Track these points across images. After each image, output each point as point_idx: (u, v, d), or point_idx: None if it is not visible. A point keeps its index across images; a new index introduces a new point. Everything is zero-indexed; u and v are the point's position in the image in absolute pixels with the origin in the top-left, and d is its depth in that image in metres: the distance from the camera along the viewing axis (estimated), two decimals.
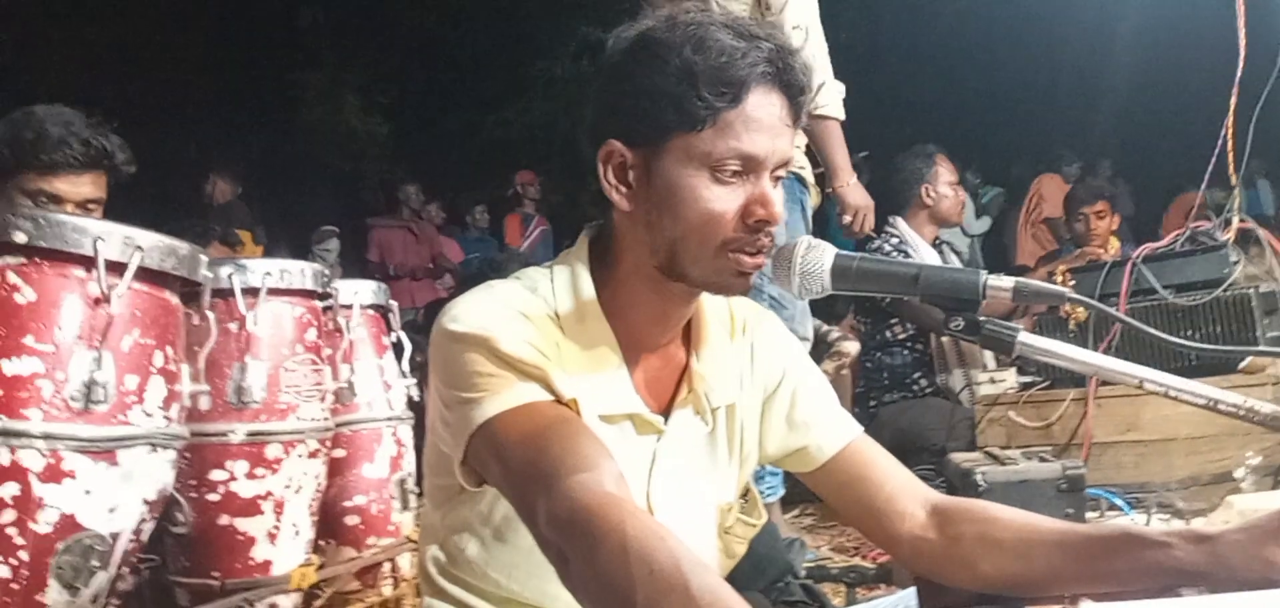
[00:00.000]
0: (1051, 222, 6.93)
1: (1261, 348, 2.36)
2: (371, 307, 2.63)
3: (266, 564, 2.08)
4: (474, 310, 1.09)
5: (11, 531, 1.47)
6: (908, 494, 1.22)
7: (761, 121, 1.06)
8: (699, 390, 1.22)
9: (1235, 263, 2.49)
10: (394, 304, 2.70)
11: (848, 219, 2.79)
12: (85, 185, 2.16)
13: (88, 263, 1.56)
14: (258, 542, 2.07)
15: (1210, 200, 2.94)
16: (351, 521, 2.47)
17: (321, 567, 2.26)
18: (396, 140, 11.34)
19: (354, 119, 11.37)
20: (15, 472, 1.47)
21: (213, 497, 2.03)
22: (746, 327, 1.30)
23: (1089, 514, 1.76)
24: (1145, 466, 2.46)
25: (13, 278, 1.52)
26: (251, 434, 2.05)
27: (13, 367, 1.49)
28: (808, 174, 2.78)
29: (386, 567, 2.51)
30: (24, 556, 1.48)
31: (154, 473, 1.66)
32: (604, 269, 1.17)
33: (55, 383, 1.52)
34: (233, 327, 2.06)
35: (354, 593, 2.44)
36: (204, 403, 1.91)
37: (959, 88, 10.78)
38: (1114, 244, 4.57)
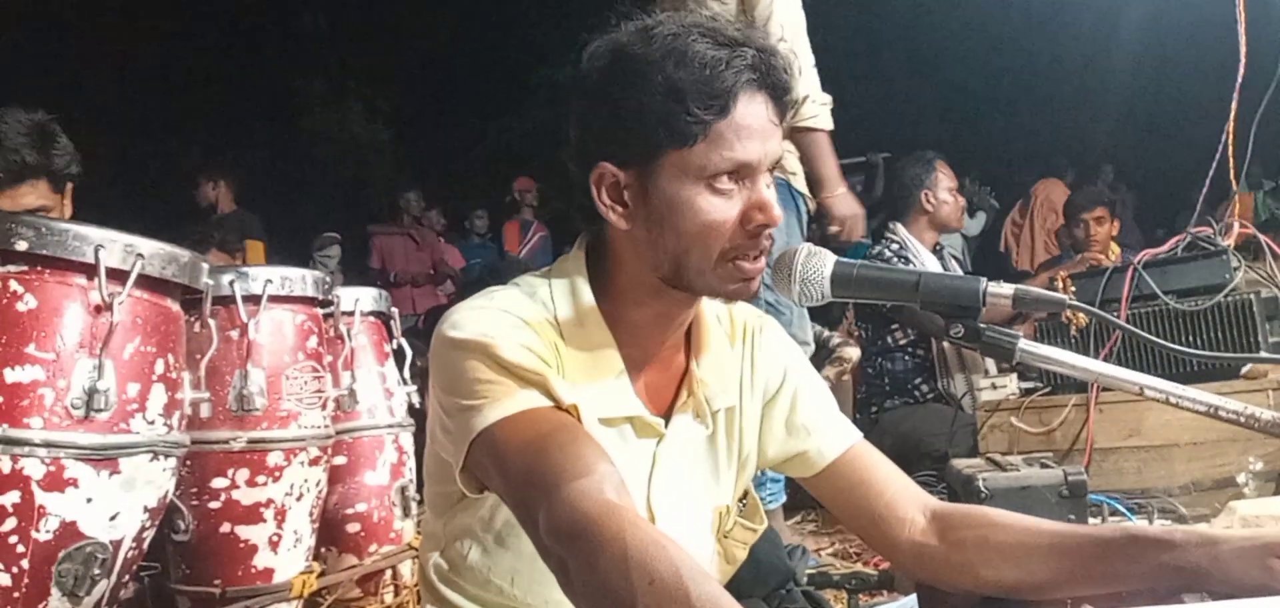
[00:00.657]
0: (1061, 232, 6.94)
1: (1262, 355, 2.36)
2: (372, 313, 2.63)
3: (268, 572, 2.08)
4: (473, 317, 1.09)
5: (13, 538, 1.48)
6: (907, 500, 1.22)
7: (751, 127, 1.06)
8: (699, 394, 1.22)
9: (1237, 268, 2.48)
10: (395, 311, 2.70)
11: (835, 229, 2.78)
12: (27, 196, 2.10)
13: (89, 271, 1.57)
14: (259, 549, 2.07)
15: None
16: (353, 528, 2.47)
17: (323, 574, 2.26)
18: (398, 147, 11.36)
19: (356, 126, 11.40)
20: (17, 480, 1.48)
21: (214, 504, 2.03)
22: (747, 331, 1.30)
23: (1091, 520, 1.75)
24: (1147, 471, 2.45)
25: (14, 286, 1.52)
26: (253, 442, 2.05)
27: (14, 375, 1.50)
28: (800, 181, 2.79)
29: (388, 574, 2.51)
30: (26, 564, 1.49)
31: (155, 481, 1.67)
32: (602, 276, 1.17)
33: (57, 391, 1.52)
34: (234, 334, 2.06)
35: (355, 600, 2.44)
36: (205, 410, 1.92)
37: (959, 93, 10.79)
38: (1114, 250, 4.57)
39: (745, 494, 1.34)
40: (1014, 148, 9.39)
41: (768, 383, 1.30)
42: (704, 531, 1.26)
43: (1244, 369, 2.40)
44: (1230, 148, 2.60)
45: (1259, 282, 2.54)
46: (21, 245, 1.52)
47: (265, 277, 2.12)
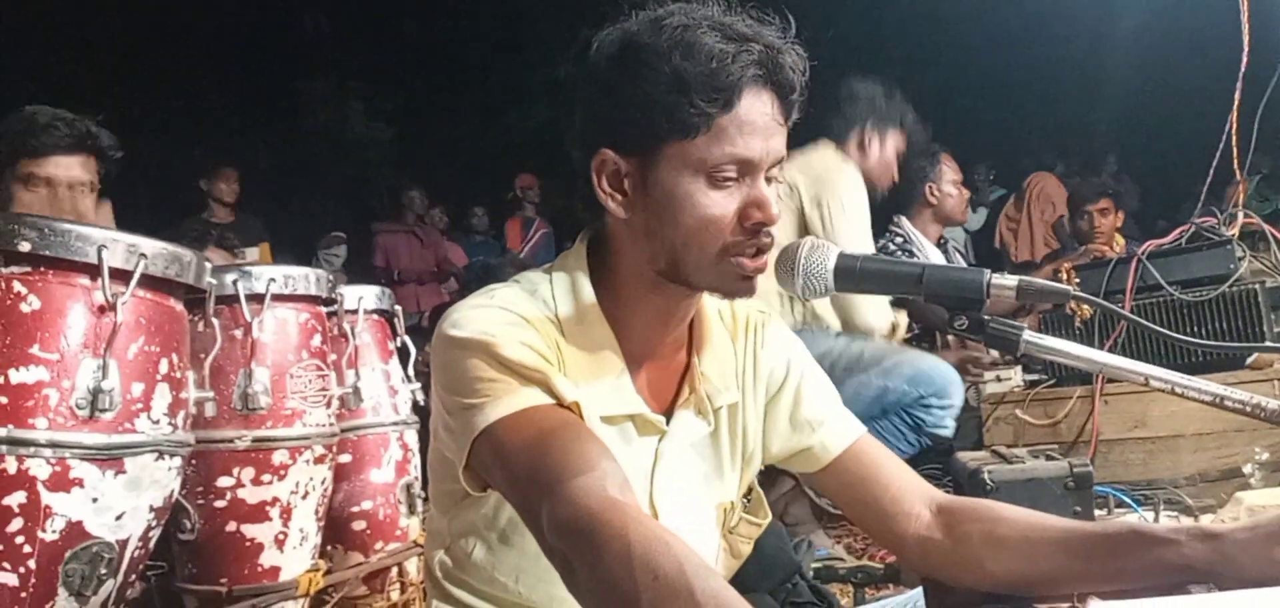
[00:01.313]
0: (1058, 224, 6.93)
1: (1267, 344, 2.35)
2: (376, 312, 2.63)
3: (274, 570, 2.09)
4: (474, 316, 1.09)
5: (20, 539, 1.48)
6: (913, 494, 1.22)
7: (755, 124, 1.05)
8: (701, 391, 1.22)
9: (1241, 258, 2.48)
10: (398, 309, 2.70)
11: None
12: (75, 167, 2.28)
13: (92, 271, 1.57)
14: (265, 548, 2.07)
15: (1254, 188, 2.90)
16: (358, 526, 2.47)
17: (329, 572, 2.26)
18: (400, 146, 11.36)
19: (358, 125, 11.40)
20: (23, 480, 1.48)
21: (220, 503, 2.04)
22: (749, 327, 1.30)
23: (1097, 512, 1.75)
24: (1153, 462, 2.45)
25: (18, 287, 1.52)
26: (257, 440, 2.06)
27: (19, 375, 1.50)
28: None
29: (393, 572, 2.52)
30: (32, 564, 1.49)
31: (161, 480, 1.67)
32: (603, 272, 1.17)
33: (61, 391, 1.52)
34: (238, 333, 2.07)
35: (361, 598, 2.44)
36: (210, 410, 1.92)
37: (960, 84, 10.76)
38: (1119, 241, 4.56)
39: (749, 489, 1.34)
40: (1016, 139, 9.36)
41: (771, 378, 1.29)
42: (708, 527, 1.26)
43: (1249, 359, 2.40)
44: (1234, 138, 2.59)
45: (1264, 272, 2.53)
46: (25, 246, 1.52)
47: (268, 275, 2.12)
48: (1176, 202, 7.50)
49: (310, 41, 11.19)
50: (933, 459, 2.82)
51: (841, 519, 2.94)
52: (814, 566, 2.33)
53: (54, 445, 1.50)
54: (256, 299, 2.08)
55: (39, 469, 1.49)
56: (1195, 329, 2.46)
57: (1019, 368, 2.83)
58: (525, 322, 1.09)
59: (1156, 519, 2.03)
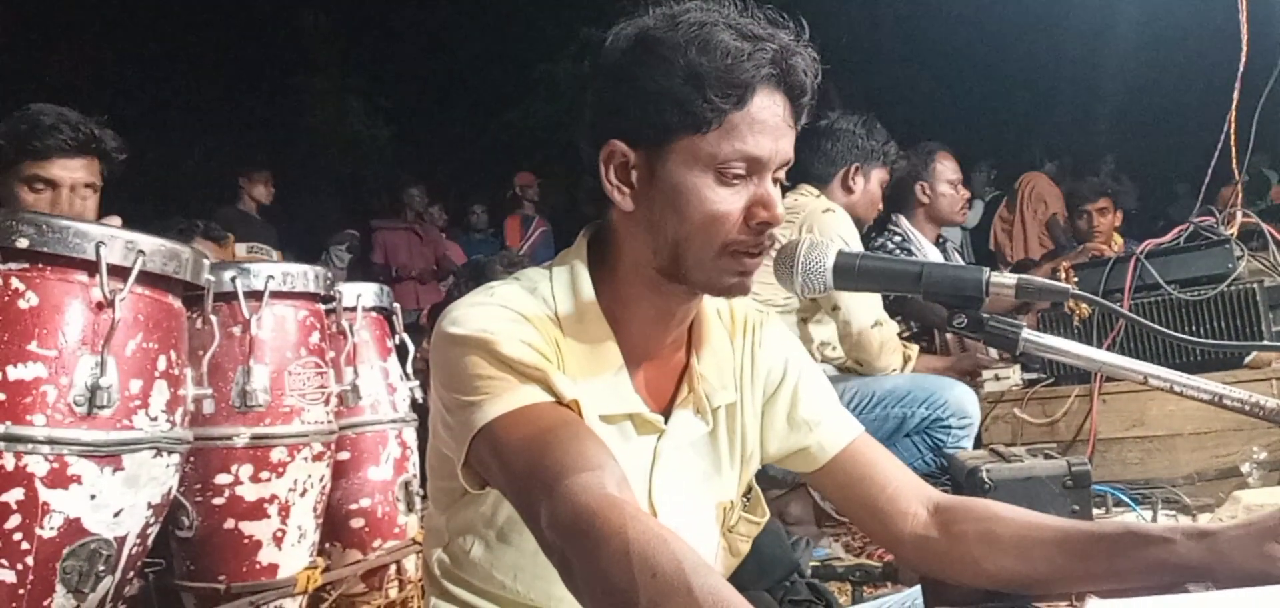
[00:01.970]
0: (1051, 222, 6.93)
1: (1266, 343, 2.35)
2: (375, 309, 2.63)
3: (272, 567, 2.09)
4: (473, 314, 1.09)
5: (17, 536, 1.48)
6: (910, 493, 1.22)
7: (766, 123, 1.06)
8: (699, 390, 1.22)
9: (1239, 258, 2.48)
10: (397, 306, 2.70)
11: None
12: (78, 169, 2.28)
13: (90, 268, 1.57)
14: (263, 545, 2.07)
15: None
16: (357, 523, 2.47)
17: (327, 569, 2.27)
18: (399, 144, 11.36)
19: (357, 123, 11.39)
20: (20, 477, 1.48)
21: (218, 501, 2.04)
22: (747, 327, 1.30)
23: (1095, 511, 1.75)
24: (1151, 461, 2.45)
25: (16, 283, 1.52)
26: (256, 438, 2.06)
27: (17, 372, 1.50)
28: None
29: (392, 569, 2.52)
30: (30, 561, 1.49)
31: (159, 477, 1.67)
32: (603, 269, 1.17)
33: (59, 388, 1.52)
34: (236, 330, 2.07)
35: (360, 595, 2.44)
36: (208, 407, 1.92)
37: (958, 83, 10.76)
38: (1117, 240, 4.56)
39: (748, 488, 1.34)
40: (1013, 139, 9.37)
41: (768, 378, 1.29)
42: (707, 526, 1.26)
43: (1248, 358, 2.40)
44: (1232, 138, 2.59)
45: (1262, 271, 2.53)
46: (23, 243, 1.52)
47: (267, 273, 2.12)
48: (1170, 201, 7.53)
49: (309, 39, 11.18)
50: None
51: (840, 519, 2.94)
52: (812, 564, 2.33)
53: (52, 442, 1.51)
54: (255, 296, 2.08)
55: (37, 466, 1.49)
56: (1194, 329, 2.46)
57: (1017, 367, 2.83)
58: (525, 319, 1.09)
59: (1154, 518, 2.03)
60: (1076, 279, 2.70)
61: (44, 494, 1.50)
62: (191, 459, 1.94)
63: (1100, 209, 4.48)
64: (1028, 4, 8.92)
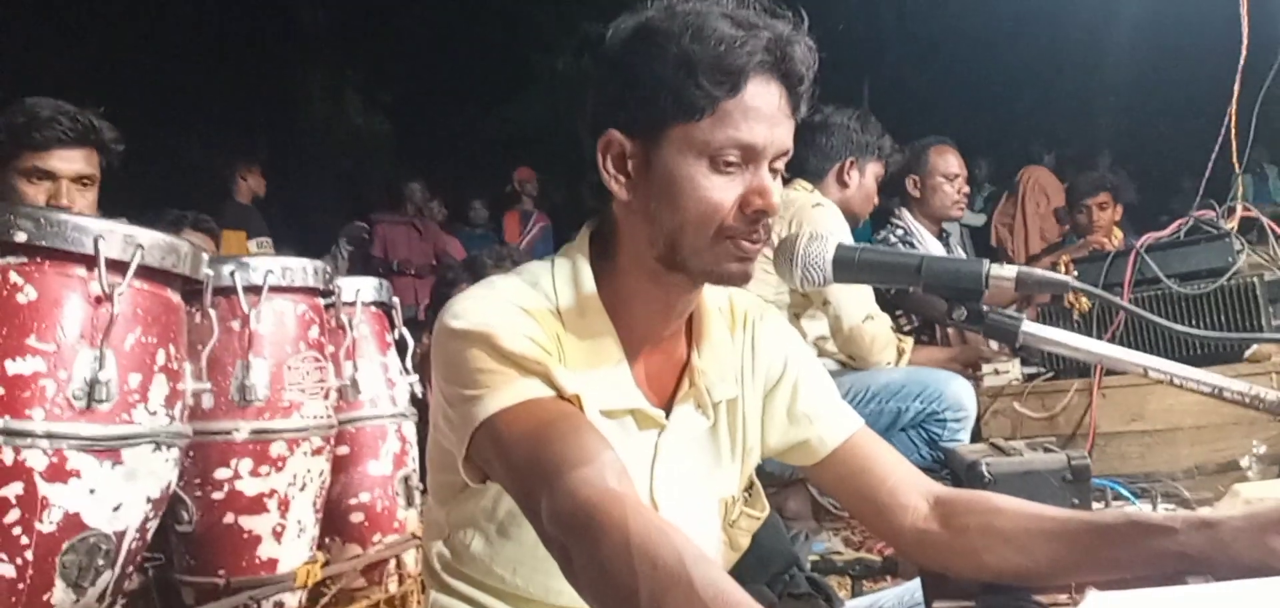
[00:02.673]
0: (1059, 212, 6.91)
1: (1266, 335, 2.35)
2: (374, 304, 2.63)
3: (272, 562, 2.09)
4: (475, 307, 1.09)
5: (16, 530, 1.48)
6: (910, 487, 1.22)
7: (760, 111, 1.06)
8: (700, 385, 1.22)
9: (1239, 251, 2.47)
10: (396, 301, 2.70)
11: None
12: (77, 161, 2.28)
13: (89, 262, 1.57)
14: (263, 540, 2.07)
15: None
16: (356, 518, 2.47)
17: (327, 564, 2.27)
18: (398, 138, 11.35)
19: (356, 117, 11.39)
20: (19, 471, 1.48)
21: (217, 495, 2.04)
22: (747, 320, 1.30)
23: (1095, 504, 1.75)
24: (1151, 455, 2.44)
25: (15, 277, 1.52)
26: (255, 432, 2.06)
27: (15, 366, 1.49)
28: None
29: (392, 563, 2.52)
30: (29, 555, 1.49)
31: (158, 472, 1.67)
32: (605, 262, 1.17)
33: (58, 382, 1.52)
34: (235, 324, 2.06)
35: (359, 590, 2.44)
36: (207, 401, 1.92)
37: (960, 79, 10.76)
38: (1117, 234, 4.56)
39: (750, 483, 1.34)
40: (1013, 134, 9.36)
41: (769, 372, 1.29)
42: (708, 520, 1.26)
43: (1248, 352, 2.40)
44: (1233, 132, 2.59)
45: (1262, 264, 2.53)
46: (21, 237, 1.52)
47: (266, 267, 2.12)
48: (1171, 194, 7.52)
49: (309, 33, 11.17)
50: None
51: (838, 513, 2.94)
52: (811, 559, 2.34)
53: (51, 437, 1.50)
54: (254, 291, 2.08)
55: (36, 460, 1.49)
56: (1194, 322, 2.45)
57: (1017, 361, 2.83)
58: (526, 313, 1.09)
59: (1154, 512, 2.03)
60: (1076, 273, 2.70)
61: (43, 489, 1.50)
62: (191, 454, 1.93)
63: (1100, 203, 4.47)
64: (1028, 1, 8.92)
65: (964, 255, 4.09)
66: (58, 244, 1.54)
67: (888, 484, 1.23)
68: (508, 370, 1.04)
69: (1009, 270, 1.07)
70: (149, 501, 1.66)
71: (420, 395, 2.69)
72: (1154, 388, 2.37)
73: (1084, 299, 2.52)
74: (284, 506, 2.09)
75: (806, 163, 3.11)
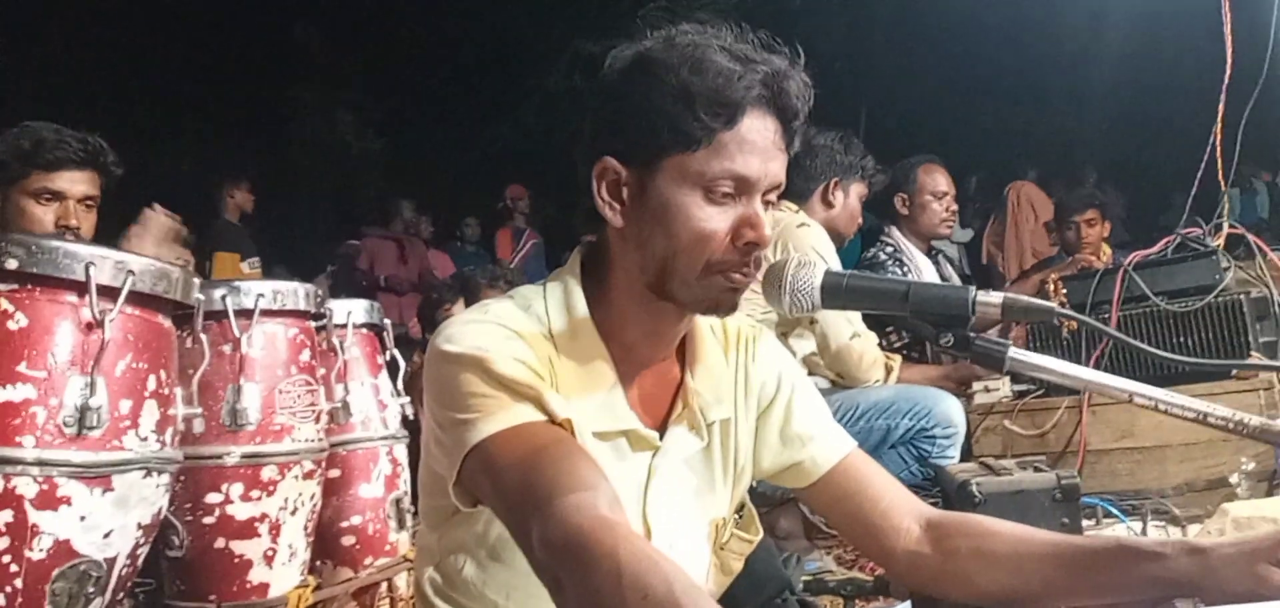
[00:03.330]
0: (1047, 225, 6.94)
1: (1250, 361, 2.36)
2: (365, 326, 2.63)
3: (263, 586, 2.08)
4: (468, 331, 1.09)
5: (6, 558, 1.47)
6: (902, 509, 1.22)
7: (755, 144, 1.07)
8: (694, 406, 1.22)
9: (1226, 269, 2.49)
10: (388, 323, 2.70)
11: None
12: (84, 182, 2.34)
13: (80, 288, 1.57)
14: (254, 564, 2.06)
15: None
16: (348, 541, 2.46)
17: (318, 588, 2.25)
18: (390, 156, 11.36)
19: (348, 134, 11.39)
20: (9, 499, 1.47)
21: (208, 520, 2.03)
22: (741, 341, 1.30)
23: (1085, 523, 1.76)
24: (1140, 473, 2.46)
25: (5, 304, 1.52)
26: (247, 456, 2.05)
27: (5, 393, 1.49)
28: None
29: (383, 587, 2.50)
30: (19, 583, 1.48)
31: (149, 497, 1.66)
32: (597, 286, 1.17)
33: (48, 409, 1.52)
34: (226, 349, 2.06)
35: None
36: (198, 426, 1.91)
37: (949, 97, 10.81)
38: (1106, 251, 4.58)
39: (742, 506, 1.34)
40: (1002, 151, 9.41)
41: (762, 393, 1.30)
42: (700, 543, 1.26)
43: (1234, 370, 2.41)
44: (1218, 149, 2.61)
45: (1249, 281, 2.55)
46: (12, 264, 1.51)
47: (257, 291, 2.11)
48: (1157, 212, 7.56)
49: (301, 51, 11.19)
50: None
51: (830, 532, 2.94)
52: (803, 579, 2.33)
53: (41, 464, 1.50)
54: (245, 315, 2.07)
55: (26, 488, 1.49)
56: (1182, 339, 2.47)
57: (1007, 378, 2.84)
58: (519, 337, 1.10)
59: (1144, 530, 2.04)
60: (1065, 292, 2.71)
61: (33, 516, 1.49)
62: (182, 479, 1.93)
63: (1088, 220, 4.49)
64: (1016, 16, 8.97)
65: (954, 273, 4.10)
66: (49, 271, 1.54)
67: (880, 507, 1.23)
68: (500, 395, 1.05)
69: (995, 297, 1.08)
70: (140, 527, 1.65)
71: (412, 417, 2.69)
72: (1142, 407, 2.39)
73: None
74: (275, 530, 2.08)
75: (792, 184, 3.12)
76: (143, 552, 1.71)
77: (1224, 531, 1.42)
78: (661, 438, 1.20)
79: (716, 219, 1.08)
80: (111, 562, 1.60)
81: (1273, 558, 0.96)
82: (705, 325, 1.26)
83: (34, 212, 2.28)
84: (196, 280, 1.86)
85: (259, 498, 2.05)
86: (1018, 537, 1.13)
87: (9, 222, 2.29)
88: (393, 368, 2.67)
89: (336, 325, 2.45)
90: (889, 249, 3.60)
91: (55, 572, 1.52)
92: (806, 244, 2.89)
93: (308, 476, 2.15)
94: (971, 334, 1.07)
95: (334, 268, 6.86)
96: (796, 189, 3.14)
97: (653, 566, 0.83)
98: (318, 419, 2.20)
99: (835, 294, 1.12)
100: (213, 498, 2.02)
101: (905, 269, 3.50)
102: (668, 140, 1.06)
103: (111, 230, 2.83)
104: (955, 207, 3.73)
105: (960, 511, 1.49)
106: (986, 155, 9.14)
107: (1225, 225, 2.68)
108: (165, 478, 1.71)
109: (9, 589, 1.47)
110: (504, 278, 4.22)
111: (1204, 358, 2.39)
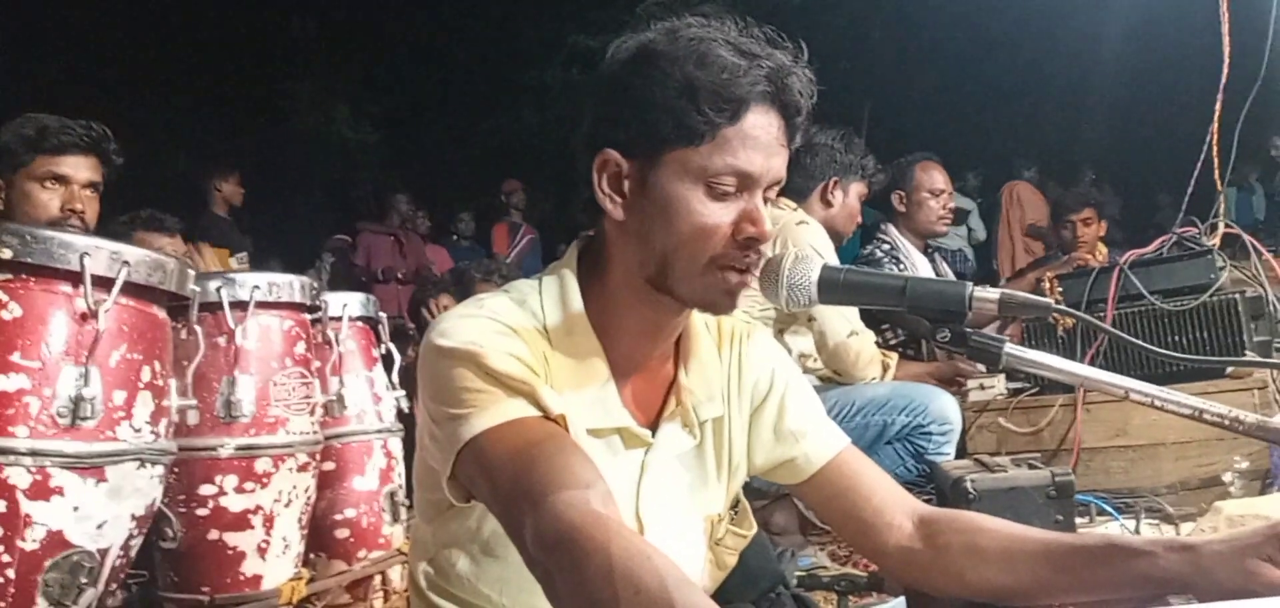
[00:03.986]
0: (1035, 228, 6.97)
1: (1245, 359, 2.37)
2: (360, 319, 2.62)
3: (256, 579, 2.08)
4: (462, 326, 1.09)
5: None
6: (895, 505, 1.23)
7: (758, 140, 1.07)
8: (687, 404, 1.22)
9: (1222, 268, 2.50)
10: (383, 316, 2.70)
11: None
12: (88, 168, 2.38)
13: (75, 279, 1.56)
14: (247, 556, 2.06)
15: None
16: (342, 534, 2.46)
17: (312, 580, 2.25)
18: (387, 150, 11.35)
19: (345, 128, 11.38)
20: (2, 489, 1.47)
21: (202, 512, 2.02)
22: (735, 338, 1.30)
23: (1078, 520, 1.76)
24: (1134, 471, 2.46)
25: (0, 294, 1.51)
26: (241, 448, 2.05)
27: None
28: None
29: (377, 580, 2.51)
30: (11, 573, 1.48)
31: (142, 489, 1.66)
32: (594, 281, 1.17)
33: (42, 399, 1.51)
34: (221, 341, 2.06)
35: (345, 606, 2.43)
36: (192, 417, 1.91)
37: (948, 96, 10.82)
38: (1101, 250, 4.59)
39: (736, 501, 1.34)
40: (1000, 150, 9.42)
41: (755, 390, 1.30)
42: (694, 539, 1.26)
43: (1229, 368, 2.42)
44: (1215, 149, 2.62)
45: (1244, 280, 2.55)
46: (6, 253, 1.51)
47: (252, 283, 2.11)
48: (1153, 211, 7.58)
49: (297, 45, 11.16)
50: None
51: (824, 527, 2.94)
52: (797, 574, 2.33)
53: (34, 454, 1.50)
54: (240, 306, 2.07)
55: (19, 478, 1.48)
56: (1177, 338, 2.48)
57: (1002, 376, 2.85)
58: (513, 332, 1.09)
59: (1137, 528, 2.05)
60: (1060, 290, 2.72)
61: (26, 506, 1.49)
62: (176, 470, 1.93)
63: (1084, 219, 4.51)
64: (1016, 17, 8.99)
65: (949, 271, 4.11)
66: (44, 261, 1.54)
67: (873, 503, 1.23)
68: (494, 390, 1.04)
69: (992, 293, 1.08)
70: (133, 518, 1.65)
71: (407, 410, 2.69)
72: (1137, 404, 2.39)
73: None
74: (269, 522, 2.08)
75: (792, 182, 3.12)
76: (136, 543, 1.71)
77: (1217, 529, 1.42)
78: (654, 435, 1.20)
79: (718, 214, 1.07)
80: (104, 553, 1.60)
81: (1263, 553, 0.96)
82: (699, 323, 1.26)
83: (39, 197, 2.31)
84: (191, 272, 1.85)
85: (253, 490, 2.05)
86: (1009, 534, 1.14)
87: (14, 208, 2.31)
88: (388, 361, 2.67)
89: (331, 318, 2.45)
90: (886, 246, 3.60)
91: (48, 562, 1.51)
92: (805, 242, 2.89)
93: (302, 468, 2.15)
94: (968, 330, 1.07)
95: (333, 259, 6.84)
96: (796, 187, 3.14)
97: (645, 560, 0.83)
98: (312, 412, 2.20)
99: (832, 289, 1.12)
100: (206, 490, 2.02)
101: (902, 266, 3.51)
102: (671, 134, 1.06)
103: (108, 221, 2.83)
104: (953, 205, 3.74)
105: (954, 507, 1.49)
106: (982, 154, 9.15)
107: (1221, 225, 2.68)
108: (159, 469, 1.70)
109: (1, 580, 1.47)
110: (499, 273, 4.22)
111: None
